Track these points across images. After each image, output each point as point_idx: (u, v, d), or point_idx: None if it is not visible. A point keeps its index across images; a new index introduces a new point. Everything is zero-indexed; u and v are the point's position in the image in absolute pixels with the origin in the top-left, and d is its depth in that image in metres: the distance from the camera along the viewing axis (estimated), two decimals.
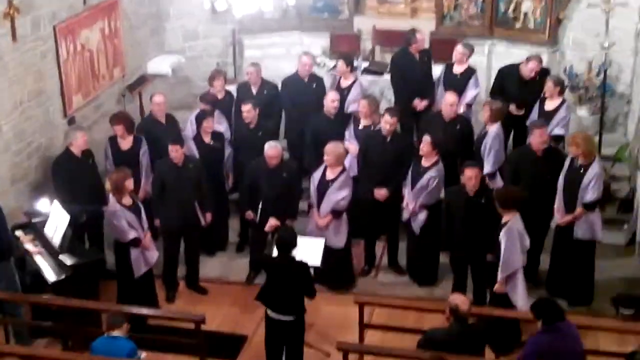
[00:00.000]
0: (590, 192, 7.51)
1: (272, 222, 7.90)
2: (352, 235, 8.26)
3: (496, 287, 6.97)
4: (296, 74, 9.44)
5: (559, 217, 7.67)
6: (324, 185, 7.98)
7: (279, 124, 9.45)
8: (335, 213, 7.95)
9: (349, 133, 8.76)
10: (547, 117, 8.65)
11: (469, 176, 7.34)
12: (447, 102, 8.59)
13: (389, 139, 8.23)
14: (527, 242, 6.96)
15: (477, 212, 7.33)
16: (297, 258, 6.55)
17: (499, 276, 6.91)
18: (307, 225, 8.07)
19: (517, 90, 9.12)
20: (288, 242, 6.48)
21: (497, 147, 8.32)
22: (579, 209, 7.60)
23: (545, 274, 8.09)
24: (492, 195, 7.16)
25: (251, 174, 8.09)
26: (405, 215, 8.10)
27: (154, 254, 7.68)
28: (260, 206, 8.04)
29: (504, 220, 6.88)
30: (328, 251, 7.27)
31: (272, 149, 7.92)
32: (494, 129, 8.37)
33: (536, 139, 7.87)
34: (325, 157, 7.90)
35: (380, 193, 8.14)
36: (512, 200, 6.90)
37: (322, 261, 7.02)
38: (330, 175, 7.99)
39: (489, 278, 7.11)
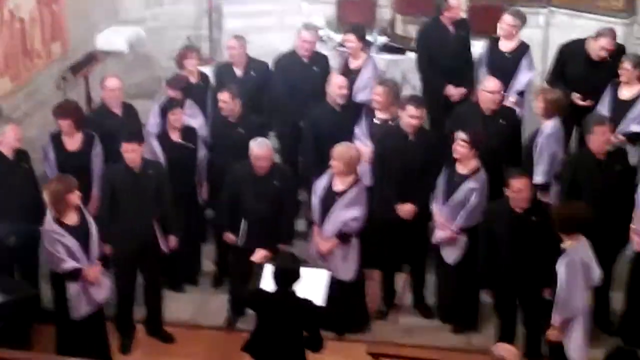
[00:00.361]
0: None
1: (261, 253, 7.85)
2: (366, 266, 8.30)
3: (549, 332, 7.08)
4: (293, 53, 9.53)
5: (637, 241, 7.69)
6: (329, 199, 7.98)
7: (270, 117, 9.50)
8: (344, 236, 7.96)
9: (360, 130, 8.78)
10: (622, 109, 8.71)
11: (516, 188, 7.33)
12: (487, 89, 8.58)
13: (413, 137, 8.24)
14: (597, 275, 7.04)
15: (527, 235, 7.37)
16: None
17: (554, 319, 7.01)
18: (306, 251, 8.10)
19: (582, 74, 9.18)
20: (289, 273, 6.44)
21: (553, 150, 8.34)
22: None
23: (619, 316, 8.18)
24: (547, 211, 7.23)
25: (232, 183, 8.10)
26: (435, 238, 8.10)
27: (101, 291, 7.64)
28: (244, 226, 8.06)
29: (564, 246, 6.96)
30: (334, 286, 7.21)
31: (260, 149, 7.91)
32: (549, 125, 8.40)
33: (597, 140, 7.87)
34: (333, 163, 7.89)
35: (405, 209, 8.18)
36: (576, 222, 6.95)
37: (326, 299, 6.92)
38: (339, 185, 7.99)
39: (546, 321, 7.23)
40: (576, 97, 9.13)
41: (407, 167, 8.17)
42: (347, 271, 7.98)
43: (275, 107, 9.44)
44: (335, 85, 8.82)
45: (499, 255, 7.43)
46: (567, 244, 6.92)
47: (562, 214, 6.99)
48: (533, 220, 7.36)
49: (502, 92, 8.72)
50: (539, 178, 8.24)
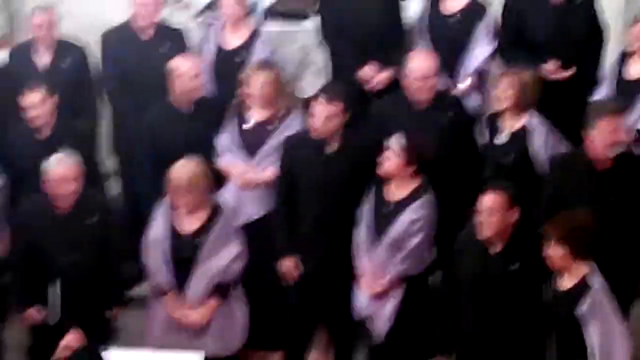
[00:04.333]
0: None
1: (71, 338, 6.88)
2: (256, 344, 7.51)
3: None
4: (127, 25, 8.48)
5: None
6: (186, 246, 7.10)
7: (96, 123, 8.63)
8: (221, 289, 7.16)
9: (228, 138, 7.88)
10: (627, 91, 7.89)
11: (483, 207, 6.58)
12: (412, 73, 7.72)
13: (327, 149, 7.41)
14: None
15: (499, 290, 6.59)
16: None
17: None
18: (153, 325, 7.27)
19: (547, 26, 8.31)
20: None
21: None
22: None
23: None
24: (539, 247, 6.41)
25: (24, 230, 7.28)
26: (357, 302, 7.21)
27: None
28: (54, 294, 7.25)
29: (568, 280, 6.22)
30: None
31: (58, 166, 7.12)
32: (535, 122, 7.54)
33: (602, 137, 7.01)
34: (169, 193, 7.11)
35: (286, 265, 7.43)
36: (588, 236, 6.29)
37: None
38: (189, 226, 7.19)
39: None
40: (548, 68, 8.14)
41: (318, 193, 7.39)
42: (231, 339, 7.18)
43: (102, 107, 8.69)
44: (185, 75, 7.82)
45: (464, 313, 6.82)
46: (577, 273, 6.22)
47: (570, 226, 6.32)
48: (512, 265, 6.60)
49: (440, 74, 7.94)
50: None
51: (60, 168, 7.07)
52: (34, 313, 7.13)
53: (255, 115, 7.80)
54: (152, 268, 7.21)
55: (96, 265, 7.22)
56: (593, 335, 6.20)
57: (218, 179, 7.69)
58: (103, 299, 7.28)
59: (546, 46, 8.34)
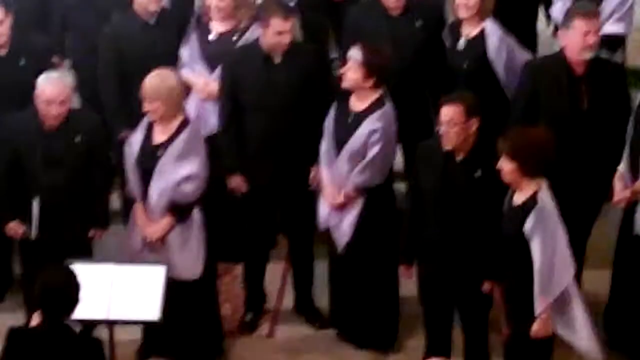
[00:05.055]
0: None
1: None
2: (218, 257, 7.55)
3: (535, 328, 6.38)
4: None
5: (617, 191, 7.10)
6: (149, 158, 7.21)
7: (60, 37, 8.39)
8: (178, 210, 7.17)
9: (188, 50, 7.90)
10: None
11: (446, 118, 6.65)
12: None
13: (279, 59, 7.44)
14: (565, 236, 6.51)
15: (464, 196, 6.72)
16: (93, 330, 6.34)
17: (538, 306, 6.32)
18: (126, 240, 7.38)
19: None
20: (58, 296, 5.78)
21: (523, 59, 7.52)
22: (639, 182, 7.07)
23: (599, 302, 7.56)
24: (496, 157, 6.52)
25: (8, 145, 7.32)
26: (321, 213, 7.35)
27: None
28: (35, 208, 7.30)
29: (520, 196, 6.31)
30: (172, 289, 6.61)
31: (51, 86, 7.08)
32: (489, 28, 7.55)
33: (577, 39, 7.02)
34: (146, 105, 7.10)
35: (235, 181, 7.52)
36: (542, 155, 6.28)
37: (163, 310, 6.44)
38: (159, 136, 7.25)
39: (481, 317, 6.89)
40: None
41: (274, 105, 7.43)
42: (190, 265, 7.21)
43: (65, 21, 8.40)
44: None
45: (427, 222, 6.95)
46: (525, 190, 6.29)
47: (521, 143, 6.34)
48: (476, 176, 6.70)
49: None
50: None
51: (53, 88, 7.06)
52: (14, 226, 7.22)
53: (217, 27, 7.80)
54: (128, 174, 7.27)
55: (78, 184, 7.27)
56: (535, 252, 6.32)
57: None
58: (85, 218, 7.31)
59: None
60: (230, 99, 7.55)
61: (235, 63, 7.58)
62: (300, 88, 7.45)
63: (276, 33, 7.31)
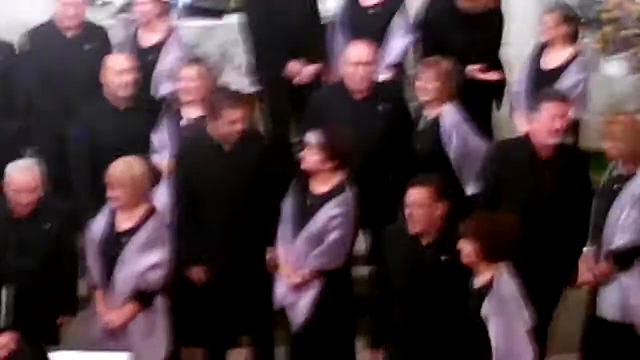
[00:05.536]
0: (621, 229, 7.00)
1: (6, 337, 6.61)
2: (182, 342, 7.44)
3: None
4: (50, 24, 8.38)
5: (582, 272, 7.15)
6: (112, 244, 7.13)
7: (26, 123, 8.37)
8: (143, 296, 7.07)
9: (159, 136, 7.88)
10: (544, 81, 8.07)
11: (411, 200, 6.62)
12: (353, 59, 7.75)
13: (229, 148, 7.44)
14: (527, 317, 6.37)
15: (436, 276, 6.65)
16: None
17: None
18: (86, 328, 7.24)
19: (456, 32, 8.47)
20: None
21: (476, 145, 7.55)
22: (602, 263, 7.06)
23: None
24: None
25: None
26: (277, 291, 7.26)
27: None
28: (5, 297, 7.15)
29: (479, 279, 6.29)
30: None
31: (21, 175, 7.08)
32: (450, 110, 7.59)
33: (545, 122, 7.06)
34: (109, 190, 7.05)
35: (195, 272, 7.39)
36: (504, 243, 6.27)
37: None
38: (124, 223, 7.16)
39: None
40: (476, 70, 8.36)
41: (229, 194, 7.40)
42: (154, 351, 7.11)
43: (30, 108, 8.39)
44: (114, 71, 7.79)
45: (395, 308, 6.87)
46: (486, 274, 6.25)
47: (486, 227, 6.34)
48: (443, 260, 6.64)
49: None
50: (470, 188, 7.64)
51: (22, 176, 7.04)
52: None
53: (190, 112, 7.82)
54: (89, 264, 7.20)
55: (48, 270, 7.17)
56: (492, 336, 6.27)
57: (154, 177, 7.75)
58: (54, 305, 7.22)
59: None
60: (185, 190, 7.50)
61: (186, 154, 7.56)
62: (252, 175, 7.42)
63: (229, 122, 7.32)
